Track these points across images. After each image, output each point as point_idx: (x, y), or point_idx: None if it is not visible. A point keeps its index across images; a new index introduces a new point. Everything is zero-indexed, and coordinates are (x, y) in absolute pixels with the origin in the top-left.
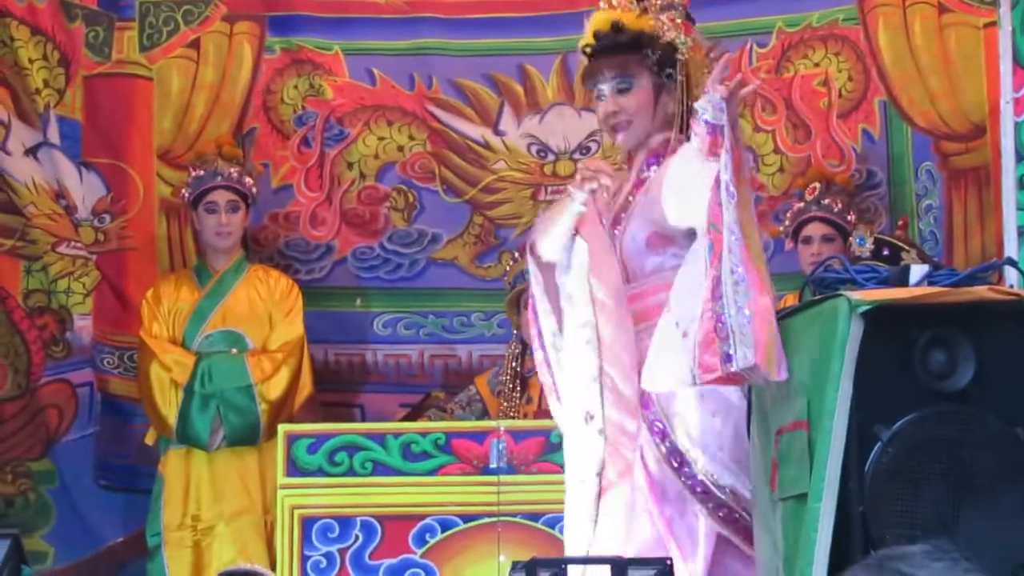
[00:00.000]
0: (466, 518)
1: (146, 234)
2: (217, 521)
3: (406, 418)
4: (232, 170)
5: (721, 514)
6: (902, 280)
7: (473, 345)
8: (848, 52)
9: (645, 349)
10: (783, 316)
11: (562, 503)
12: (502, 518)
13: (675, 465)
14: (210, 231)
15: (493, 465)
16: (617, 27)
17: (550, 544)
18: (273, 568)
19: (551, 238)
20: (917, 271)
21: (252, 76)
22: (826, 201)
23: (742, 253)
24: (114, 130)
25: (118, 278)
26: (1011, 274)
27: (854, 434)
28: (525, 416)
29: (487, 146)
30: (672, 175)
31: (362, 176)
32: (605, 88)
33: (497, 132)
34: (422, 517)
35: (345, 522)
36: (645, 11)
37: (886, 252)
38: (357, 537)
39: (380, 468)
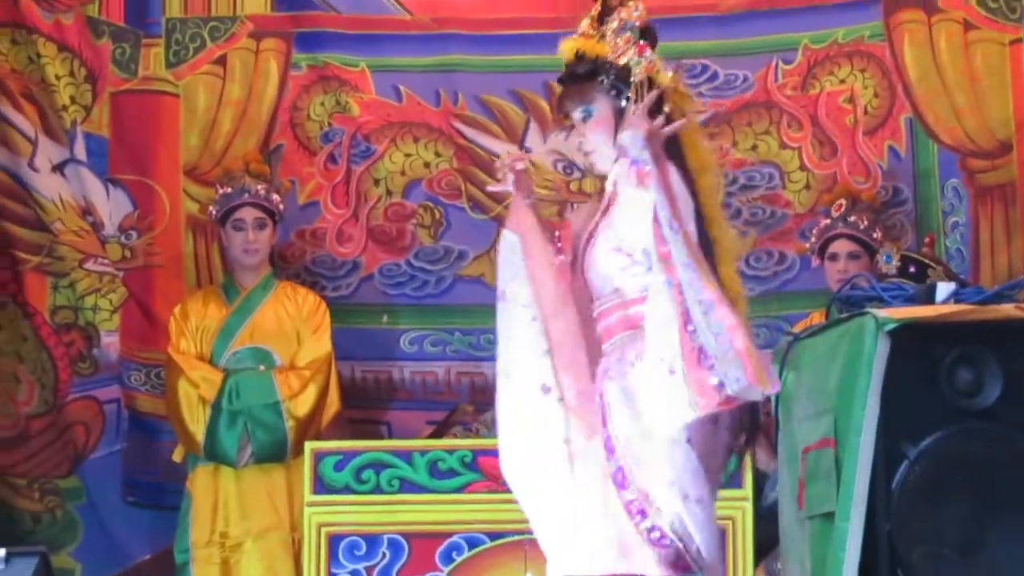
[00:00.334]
0: (493, 536)
1: (173, 251)
2: (245, 538)
3: (433, 435)
4: (259, 187)
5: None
6: (929, 298)
7: None
8: (874, 69)
9: (614, 365)
10: (810, 334)
11: None
12: (529, 536)
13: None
14: (238, 248)
15: None
16: (579, 56)
17: None
18: None
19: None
20: (944, 289)
21: (279, 93)
22: (852, 218)
23: (701, 283)
24: (141, 146)
25: (145, 295)
26: None
27: (881, 452)
28: None
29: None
30: (620, 198)
31: (388, 193)
32: (573, 117)
33: (523, 148)
34: (449, 535)
35: (372, 540)
36: (603, 36)
37: (912, 269)
38: (384, 555)
39: (407, 485)
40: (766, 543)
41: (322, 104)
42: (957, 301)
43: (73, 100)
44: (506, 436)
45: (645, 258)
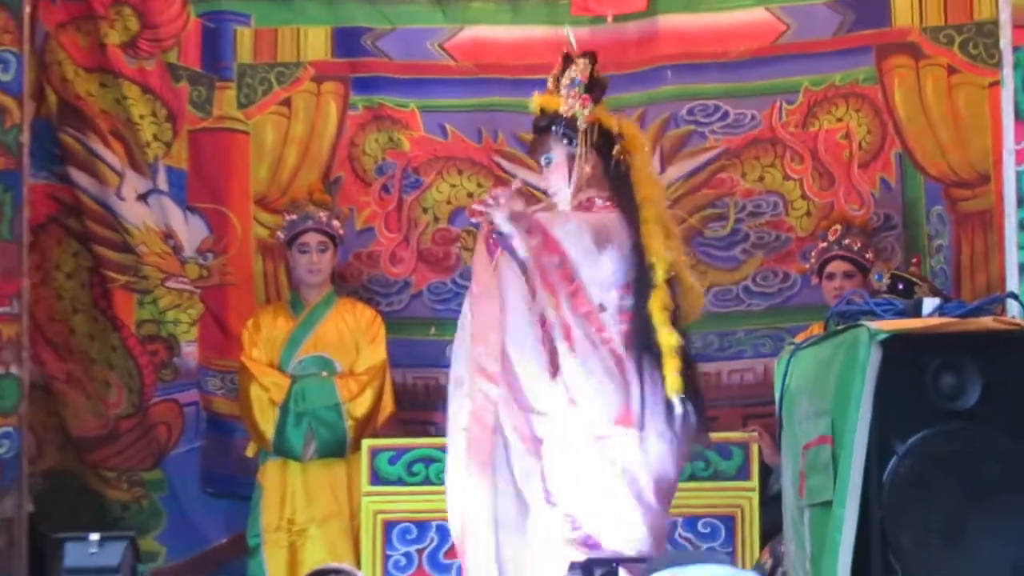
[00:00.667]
0: None
1: (244, 271)
2: (309, 524)
3: None
4: (322, 214)
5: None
6: (916, 312)
7: None
8: (867, 109)
9: None
10: (810, 344)
11: None
12: None
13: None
14: (303, 269)
15: None
16: (540, 110)
17: None
18: (359, 566)
19: None
20: (929, 303)
21: (338, 130)
22: (847, 241)
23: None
24: (215, 178)
25: (220, 310)
26: (1013, 306)
27: (874, 448)
28: None
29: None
30: None
31: (436, 219)
32: (541, 163)
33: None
34: None
35: (422, 526)
36: (559, 92)
37: (901, 287)
38: (433, 539)
39: None
40: (771, 528)
41: (376, 140)
42: (941, 314)
43: (155, 137)
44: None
45: None
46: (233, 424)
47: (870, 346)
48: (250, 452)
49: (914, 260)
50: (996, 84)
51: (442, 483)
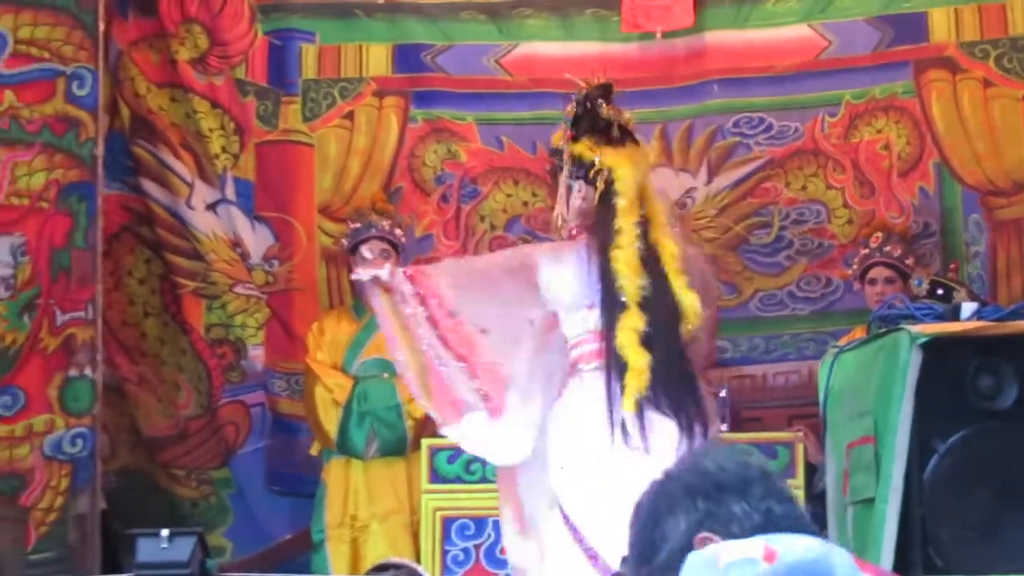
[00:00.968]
0: None
1: (309, 277)
2: (371, 521)
3: None
4: (384, 223)
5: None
6: (954, 316)
7: None
8: (906, 121)
9: None
10: (853, 347)
11: None
12: None
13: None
14: None
15: None
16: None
17: None
18: (418, 561)
19: None
20: (967, 308)
21: (398, 142)
22: (888, 248)
23: None
24: (281, 189)
25: (285, 314)
26: None
27: (915, 447)
28: None
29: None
30: None
31: (492, 227)
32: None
33: None
34: None
35: (480, 522)
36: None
37: (940, 292)
38: (490, 535)
39: None
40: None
41: (435, 152)
42: (979, 318)
43: (224, 149)
44: None
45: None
46: (298, 424)
47: (911, 349)
48: (314, 451)
49: (952, 266)
50: None
51: None
